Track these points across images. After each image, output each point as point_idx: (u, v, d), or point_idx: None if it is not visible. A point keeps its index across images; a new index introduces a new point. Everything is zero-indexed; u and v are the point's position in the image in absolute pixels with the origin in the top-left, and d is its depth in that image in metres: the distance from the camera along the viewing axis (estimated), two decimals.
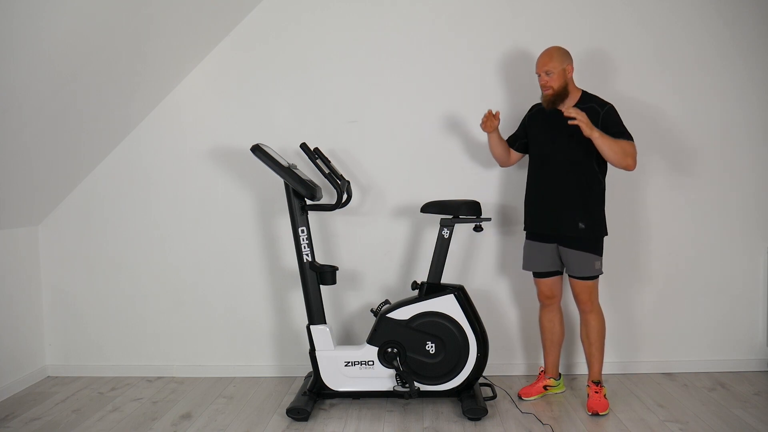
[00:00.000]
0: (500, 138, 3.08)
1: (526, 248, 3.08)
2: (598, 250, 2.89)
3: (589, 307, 2.94)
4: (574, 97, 2.87)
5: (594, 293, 2.93)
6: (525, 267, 3.10)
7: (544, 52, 2.88)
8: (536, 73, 2.90)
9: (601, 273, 2.93)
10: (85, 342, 3.60)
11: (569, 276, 2.96)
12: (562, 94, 2.84)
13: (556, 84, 2.83)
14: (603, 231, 2.91)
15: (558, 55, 2.84)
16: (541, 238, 2.99)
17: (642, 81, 3.37)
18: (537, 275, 3.07)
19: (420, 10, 3.40)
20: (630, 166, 2.78)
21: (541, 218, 2.98)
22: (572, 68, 2.86)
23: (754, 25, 3.36)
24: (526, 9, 3.38)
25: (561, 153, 2.88)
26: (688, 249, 3.44)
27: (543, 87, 2.87)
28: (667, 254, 3.44)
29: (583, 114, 2.69)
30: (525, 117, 3.10)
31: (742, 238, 3.44)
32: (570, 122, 2.69)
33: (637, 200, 3.40)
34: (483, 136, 3.39)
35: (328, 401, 3.11)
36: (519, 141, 3.11)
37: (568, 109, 2.69)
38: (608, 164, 2.87)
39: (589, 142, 2.75)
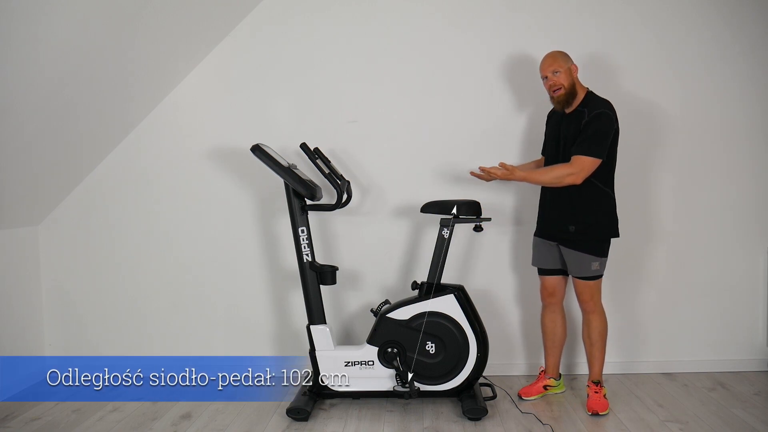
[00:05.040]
0: (529, 167, 3.14)
1: (533, 244, 3.11)
2: (596, 251, 2.86)
3: (591, 308, 2.94)
4: (579, 97, 2.87)
5: (595, 294, 2.93)
6: (533, 262, 3.13)
7: (546, 55, 2.89)
8: (542, 76, 2.89)
9: (600, 275, 2.91)
10: (85, 342, 3.60)
11: (571, 275, 2.96)
12: (572, 92, 2.84)
13: (566, 82, 2.83)
14: (602, 234, 2.88)
15: (561, 56, 2.86)
16: (545, 236, 3.01)
17: (643, 81, 3.36)
18: (541, 272, 3.08)
19: (420, 10, 3.40)
20: (573, 183, 2.77)
21: (542, 219, 3.04)
22: (576, 68, 2.87)
23: (755, 25, 3.35)
24: (526, 8, 3.37)
25: (555, 157, 2.91)
26: (688, 249, 3.44)
27: (552, 87, 2.86)
28: (667, 254, 3.44)
29: (498, 168, 2.81)
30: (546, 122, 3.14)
31: (742, 238, 3.44)
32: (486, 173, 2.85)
33: (636, 200, 3.39)
34: (481, 136, 3.40)
35: (328, 401, 3.11)
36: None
37: (490, 170, 2.83)
38: (611, 168, 2.85)
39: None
